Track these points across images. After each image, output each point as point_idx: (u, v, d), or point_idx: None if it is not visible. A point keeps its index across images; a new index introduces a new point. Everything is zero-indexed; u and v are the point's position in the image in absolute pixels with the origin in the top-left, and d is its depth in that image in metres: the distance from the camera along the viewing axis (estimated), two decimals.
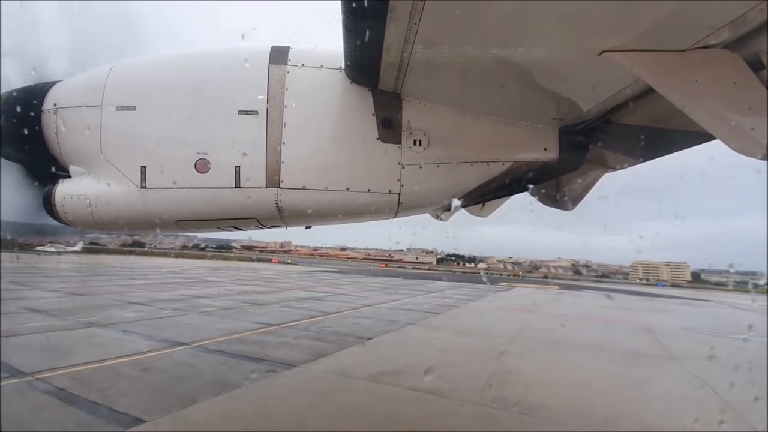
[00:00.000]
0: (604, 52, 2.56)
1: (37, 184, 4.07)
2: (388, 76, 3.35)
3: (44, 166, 3.95)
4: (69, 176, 3.83)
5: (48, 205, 3.80)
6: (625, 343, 15.26)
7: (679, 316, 27.77)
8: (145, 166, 3.58)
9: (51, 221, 3.92)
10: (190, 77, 3.79)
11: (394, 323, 16.15)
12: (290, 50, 3.71)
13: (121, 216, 3.73)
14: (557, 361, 11.84)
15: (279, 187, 3.56)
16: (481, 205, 6.23)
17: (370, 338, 12.95)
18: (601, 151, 4.41)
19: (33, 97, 3.84)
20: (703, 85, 2.51)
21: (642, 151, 4.25)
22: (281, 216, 3.73)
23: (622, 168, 4.72)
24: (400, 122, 3.66)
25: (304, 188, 3.60)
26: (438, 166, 3.72)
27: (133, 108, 3.63)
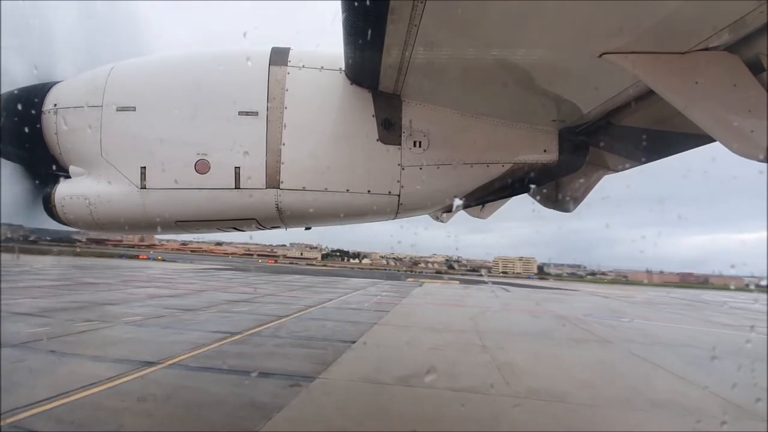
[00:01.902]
0: (604, 54, 2.56)
1: (36, 184, 4.07)
2: (388, 77, 3.35)
3: (44, 167, 3.95)
4: (69, 176, 3.84)
5: (48, 205, 3.80)
6: (560, 330, 17.56)
7: (571, 304, 30.74)
8: (145, 167, 3.58)
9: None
10: (191, 78, 3.79)
11: (359, 324, 15.79)
12: (290, 51, 3.71)
13: (120, 216, 3.73)
14: (533, 351, 12.94)
15: (279, 188, 3.56)
16: (481, 206, 6.23)
17: (354, 341, 12.44)
18: (601, 152, 4.41)
19: (33, 98, 3.84)
20: (703, 87, 2.50)
21: (642, 153, 4.25)
22: (281, 217, 3.73)
23: (622, 170, 4.72)
24: (400, 123, 3.66)
25: (304, 189, 3.60)
26: (438, 168, 3.72)
27: (133, 108, 3.63)
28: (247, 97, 3.58)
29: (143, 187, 3.59)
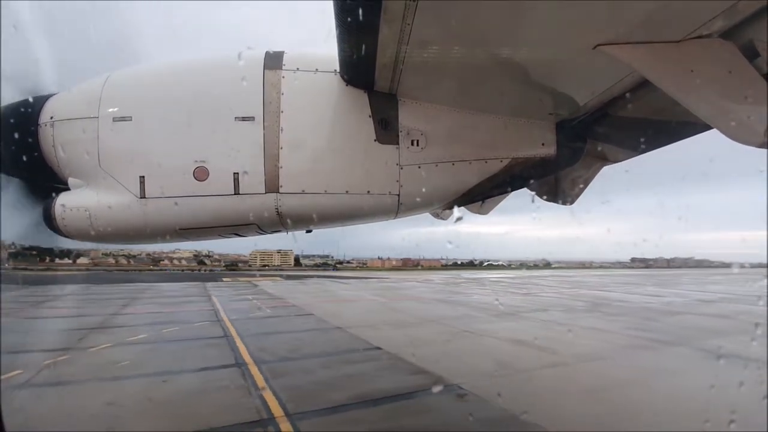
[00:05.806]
0: (598, 45, 2.56)
1: (36, 197, 4.07)
2: (383, 77, 3.35)
3: (43, 180, 3.95)
4: (68, 189, 3.83)
5: (48, 218, 3.80)
6: (475, 309, 18.73)
7: (419, 290, 31.61)
8: (143, 176, 3.57)
9: None
10: (186, 86, 3.79)
11: (327, 331, 13.26)
12: (284, 55, 3.71)
13: (121, 227, 3.73)
14: (503, 328, 13.78)
15: (278, 192, 3.56)
16: (480, 202, 6.23)
17: (379, 348, 10.57)
18: (600, 144, 4.41)
19: (29, 111, 3.83)
20: (698, 75, 2.50)
21: (640, 143, 4.26)
22: (282, 221, 3.73)
23: (621, 160, 4.72)
24: (397, 123, 3.66)
25: (303, 192, 3.60)
26: (436, 166, 3.72)
27: (129, 118, 3.63)
28: (243, 103, 3.57)
29: (143, 197, 3.58)
